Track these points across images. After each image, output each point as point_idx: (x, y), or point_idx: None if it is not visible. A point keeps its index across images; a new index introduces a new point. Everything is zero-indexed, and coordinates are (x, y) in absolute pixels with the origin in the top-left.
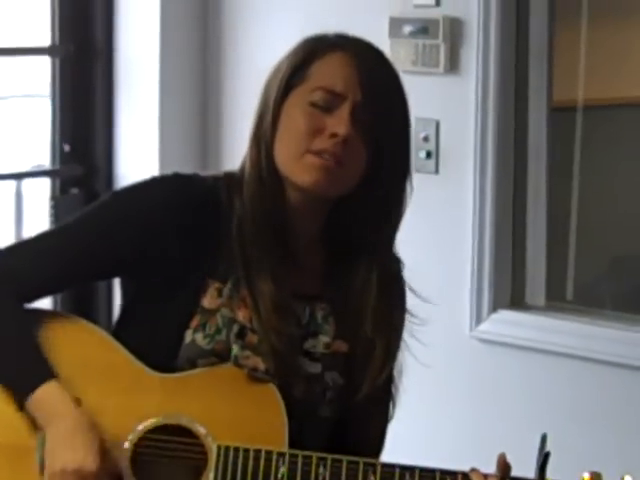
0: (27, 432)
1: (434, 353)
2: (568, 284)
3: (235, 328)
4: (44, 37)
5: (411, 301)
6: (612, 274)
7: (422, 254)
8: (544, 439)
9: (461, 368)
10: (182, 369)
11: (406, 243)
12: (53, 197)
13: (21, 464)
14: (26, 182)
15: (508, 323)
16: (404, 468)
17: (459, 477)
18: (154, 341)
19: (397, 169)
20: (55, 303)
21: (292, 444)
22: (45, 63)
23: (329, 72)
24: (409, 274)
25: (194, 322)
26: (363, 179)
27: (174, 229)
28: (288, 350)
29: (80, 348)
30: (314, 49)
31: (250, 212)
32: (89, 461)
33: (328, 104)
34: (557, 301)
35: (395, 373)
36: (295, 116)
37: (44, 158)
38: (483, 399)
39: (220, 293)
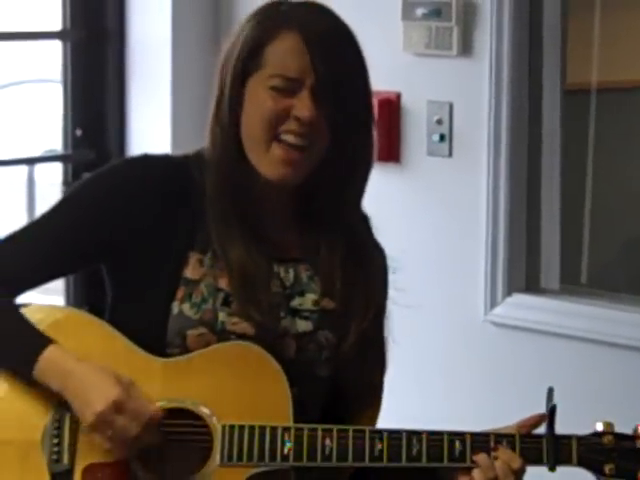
0: (32, 426)
1: (449, 336)
2: (583, 267)
3: (220, 296)
4: (55, 21)
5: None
6: (627, 257)
7: (436, 238)
8: (550, 392)
9: (476, 352)
10: (172, 342)
11: (420, 226)
12: (65, 182)
13: (29, 459)
14: (38, 167)
15: (523, 307)
16: (411, 433)
17: (467, 437)
18: (143, 319)
19: (358, 134)
20: (67, 292)
21: (294, 408)
22: (57, 48)
23: (282, 58)
24: (423, 257)
25: (179, 294)
26: (326, 151)
27: (147, 207)
28: (270, 313)
29: (80, 340)
30: (265, 30)
31: (215, 189)
32: (115, 391)
33: (288, 88)
34: (571, 284)
35: (384, 321)
36: (259, 101)
37: (56, 143)
38: (498, 383)
39: (202, 263)
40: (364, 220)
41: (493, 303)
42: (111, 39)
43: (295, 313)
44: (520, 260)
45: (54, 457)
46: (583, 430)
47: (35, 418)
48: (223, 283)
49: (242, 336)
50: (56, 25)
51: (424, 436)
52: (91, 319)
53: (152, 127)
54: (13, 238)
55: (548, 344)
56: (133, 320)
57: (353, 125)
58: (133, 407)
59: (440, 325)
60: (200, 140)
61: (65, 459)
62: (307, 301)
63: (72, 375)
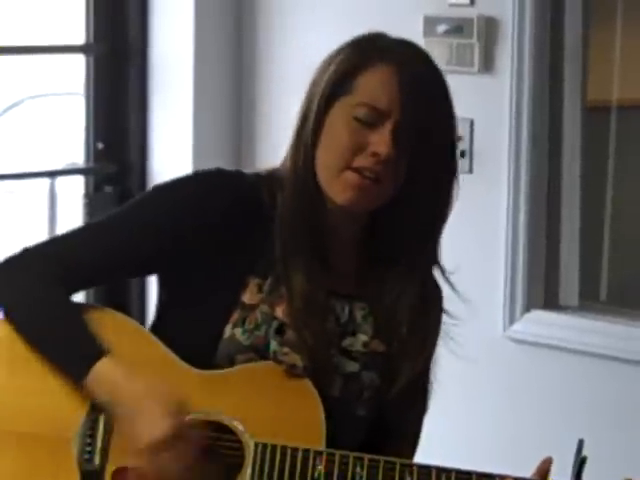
0: (65, 423)
1: (468, 353)
2: (602, 284)
3: (274, 324)
4: (79, 35)
5: (447, 299)
6: None
7: (455, 254)
8: (581, 444)
9: (495, 368)
10: (221, 364)
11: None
12: (87, 195)
13: (59, 455)
14: (60, 180)
15: (542, 323)
16: (440, 470)
17: None
18: (193, 336)
19: (440, 178)
20: (87, 299)
21: (329, 442)
22: (80, 61)
23: (373, 88)
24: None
25: (233, 317)
26: (402, 187)
27: (215, 225)
28: (323, 347)
29: (116, 342)
30: (361, 58)
31: (288, 212)
32: (167, 426)
33: (371, 120)
34: (591, 301)
35: (431, 365)
36: (338, 129)
37: (78, 156)
38: (516, 399)
39: (260, 289)
40: (440, 270)
41: (512, 319)
42: (134, 53)
43: (345, 352)
44: (539, 276)
45: (86, 456)
46: (601, 446)
47: (69, 416)
48: (279, 311)
49: (291, 367)
50: (80, 39)
51: (453, 475)
52: (129, 322)
53: (174, 141)
54: (79, 233)
55: (567, 360)
56: (182, 334)
57: (431, 174)
58: (179, 449)
59: (459, 341)
60: (221, 152)
61: (96, 460)
62: (357, 342)
63: (121, 394)
